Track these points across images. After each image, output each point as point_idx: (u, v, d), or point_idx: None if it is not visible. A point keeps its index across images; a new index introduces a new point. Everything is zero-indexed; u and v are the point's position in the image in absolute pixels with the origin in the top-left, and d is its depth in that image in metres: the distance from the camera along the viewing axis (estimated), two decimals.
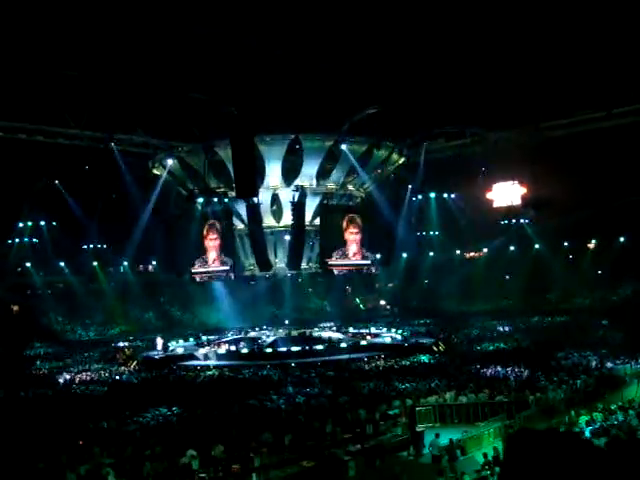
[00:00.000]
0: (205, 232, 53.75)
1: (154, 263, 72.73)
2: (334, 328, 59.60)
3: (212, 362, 46.29)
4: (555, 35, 41.03)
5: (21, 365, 47.93)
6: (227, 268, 53.23)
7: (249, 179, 39.76)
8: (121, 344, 56.25)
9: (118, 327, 67.71)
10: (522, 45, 42.24)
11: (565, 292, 68.29)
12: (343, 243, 53.25)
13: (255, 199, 49.31)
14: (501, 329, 56.67)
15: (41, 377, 42.85)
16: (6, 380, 39.47)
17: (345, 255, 53.52)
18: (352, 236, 53.56)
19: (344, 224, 53.25)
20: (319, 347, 48.43)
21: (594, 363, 33.94)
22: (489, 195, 65.91)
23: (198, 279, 56.61)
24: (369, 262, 56.05)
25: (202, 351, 49.61)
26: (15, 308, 65.83)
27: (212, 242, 53.55)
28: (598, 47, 41.52)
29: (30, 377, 42.84)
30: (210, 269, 54.38)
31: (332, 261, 53.22)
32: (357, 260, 54.56)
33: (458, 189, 59.80)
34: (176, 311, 72.65)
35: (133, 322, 69.65)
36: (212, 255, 53.70)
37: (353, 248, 53.70)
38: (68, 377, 42.85)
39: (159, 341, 52.78)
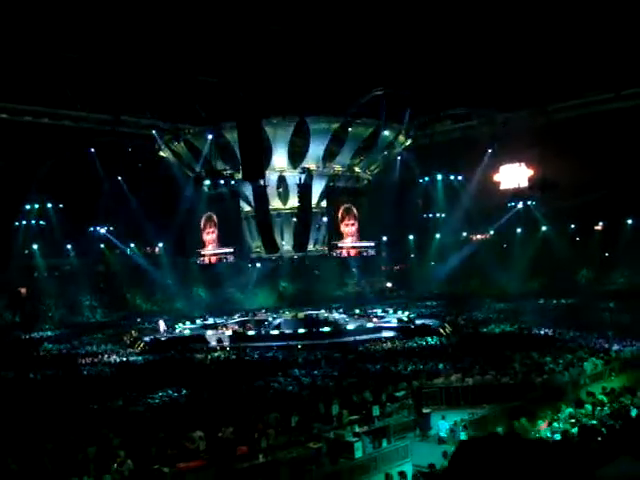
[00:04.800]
0: (212, 214, 53.92)
1: (161, 245, 72.81)
2: (340, 310, 59.68)
3: (224, 344, 46.40)
4: (563, 16, 40.76)
5: (29, 347, 48.16)
6: (234, 250, 53.33)
7: (256, 161, 39.84)
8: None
9: (125, 309, 67.93)
10: (530, 26, 41.98)
11: (571, 274, 68.16)
12: (340, 235, 53.54)
13: (262, 181, 49.40)
14: (507, 311, 56.61)
15: (49, 359, 43.04)
16: (15, 362, 39.71)
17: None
18: (348, 228, 53.76)
19: (339, 215, 53.34)
20: (325, 329, 48.55)
21: (600, 345, 33.93)
22: (496, 177, 65.79)
23: (205, 261, 56.80)
24: (373, 244, 56.26)
25: (210, 333, 49.70)
26: (23, 290, 66.10)
27: (218, 224, 53.72)
28: (606, 28, 41.24)
29: (38, 359, 43.08)
30: (217, 251, 54.50)
31: (340, 243, 53.45)
32: (361, 243, 54.82)
33: (465, 171, 59.60)
34: (183, 293, 72.72)
35: (140, 304, 69.92)
36: (218, 237, 53.87)
37: (349, 240, 54.02)
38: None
39: (161, 323, 52.95)
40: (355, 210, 54.04)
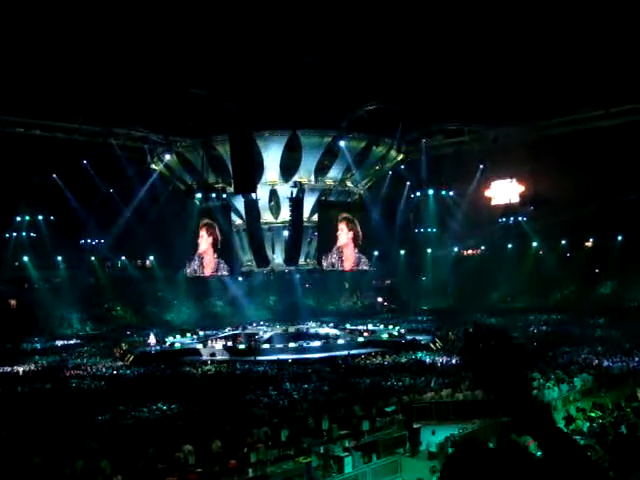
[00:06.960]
0: (202, 228, 53.78)
1: (151, 258, 72.71)
2: (331, 324, 59.56)
3: (216, 358, 46.21)
4: (555, 34, 41.08)
5: (18, 359, 47.84)
6: (224, 264, 53.19)
7: (247, 175, 39.98)
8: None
9: (115, 322, 67.67)
10: (522, 43, 42.28)
11: (562, 290, 68.33)
12: (335, 242, 53.39)
13: (253, 195, 49.38)
14: (498, 326, 56.65)
15: (38, 372, 42.75)
16: (2, 374, 39.45)
17: (340, 258, 53.73)
18: (346, 237, 53.65)
19: (339, 225, 53.26)
20: (316, 343, 48.48)
21: (590, 361, 33.95)
22: (487, 192, 65.93)
23: (195, 274, 56.61)
24: (364, 266, 56.06)
25: (200, 346, 49.58)
26: (12, 302, 65.76)
27: (209, 238, 53.57)
28: (597, 46, 41.57)
29: (26, 371, 42.78)
30: (207, 264, 54.34)
31: (327, 261, 53.40)
32: (351, 265, 54.67)
33: (456, 186, 59.66)
34: (173, 306, 72.51)
35: (130, 317, 69.66)
36: (209, 251, 53.71)
37: (348, 251, 53.88)
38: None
39: (151, 336, 52.82)
40: (346, 225, 53.94)
